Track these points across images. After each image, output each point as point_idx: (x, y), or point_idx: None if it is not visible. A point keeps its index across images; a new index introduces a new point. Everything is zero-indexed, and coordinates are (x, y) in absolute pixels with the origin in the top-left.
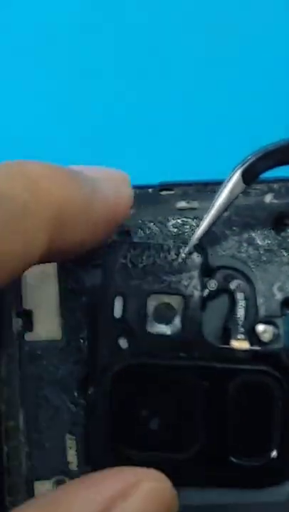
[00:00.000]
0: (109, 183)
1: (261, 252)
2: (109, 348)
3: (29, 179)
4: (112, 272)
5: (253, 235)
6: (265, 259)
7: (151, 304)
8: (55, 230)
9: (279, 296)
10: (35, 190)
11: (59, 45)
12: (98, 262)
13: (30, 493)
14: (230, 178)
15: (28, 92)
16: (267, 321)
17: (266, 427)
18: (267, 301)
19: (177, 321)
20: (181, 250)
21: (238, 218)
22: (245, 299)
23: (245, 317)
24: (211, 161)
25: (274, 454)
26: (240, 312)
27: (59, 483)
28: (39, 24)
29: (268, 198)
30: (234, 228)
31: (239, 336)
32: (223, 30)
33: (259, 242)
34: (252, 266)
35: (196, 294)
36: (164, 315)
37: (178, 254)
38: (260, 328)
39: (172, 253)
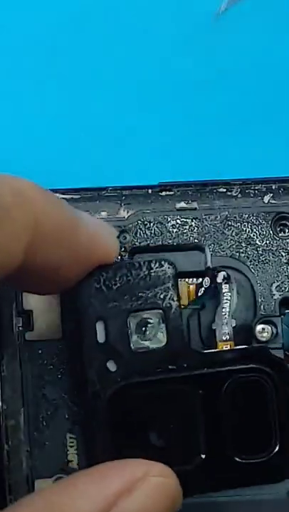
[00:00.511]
0: (100, 226)
1: (260, 252)
2: (98, 373)
3: (15, 187)
4: (89, 299)
5: (252, 235)
6: (263, 259)
7: (132, 322)
8: (34, 241)
9: (277, 295)
10: (19, 198)
11: (59, 50)
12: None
13: (30, 492)
14: None
15: (28, 95)
16: (265, 321)
17: (265, 422)
18: (265, 301)
19: (160, 334)
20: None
21: (237, 218)
22: (231, 297)
23: (230, 316)
24: (210, 161)
25: (277, 448)
26: (226, 310)
27: None
28: (38, 30)
29: (267, 199)
30: (233, 228)
31: (224, 337)
32: (223, 31)
33: (258, 242)
34: (251, 266)
35: (174, 304)
36: (147, 331)
37: (149, 268)
38: (259, 327)
39: (144, 268)
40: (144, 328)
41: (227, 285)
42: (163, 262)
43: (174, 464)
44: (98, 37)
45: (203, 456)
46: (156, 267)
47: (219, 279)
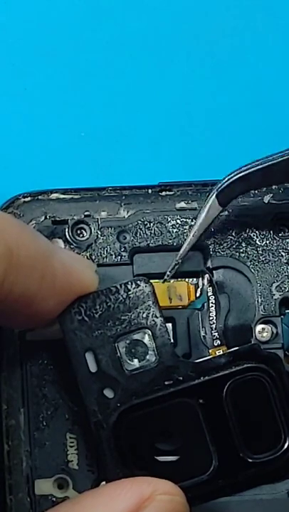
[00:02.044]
0: (77, 260)
1: (260, 252)
2: (97, 403)
3: None
4: (74, 332)
5: (252, 235)
6: (263, 259)
7: (121, 345)
8: (8, 271)
9: (277, 295)
10: None
11: (60, 49)
12: None
13: (30, 492)
14: (206, 201)
15: (28, 94)
16: (265, 321)
17: (271, 419)
18: (265, 301)
19: (151, 352)
20: (168, 273)
21: (237, 218)
22: (216, 300)
23: (218, 320)
24: (210, 161)
25: (287, 442)
26: (212, 314)
27: (59, 481)
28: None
29: (267, 199)
30: (233, 228)
31: (215, 343)
32: (223, 32)
33: (258, 242)
34: (251, 266)
35: (158, 321)
36: (137, 352)
37: (127, 290)
38: (259, 327)
39: (122, 291)
40: (133, 350)
41: (211, 288)
42: (139, 282)
43: (189, 477)
44: (98, 36)
45: (216, 463)
46: (134, 288)
47: (205, 282)
